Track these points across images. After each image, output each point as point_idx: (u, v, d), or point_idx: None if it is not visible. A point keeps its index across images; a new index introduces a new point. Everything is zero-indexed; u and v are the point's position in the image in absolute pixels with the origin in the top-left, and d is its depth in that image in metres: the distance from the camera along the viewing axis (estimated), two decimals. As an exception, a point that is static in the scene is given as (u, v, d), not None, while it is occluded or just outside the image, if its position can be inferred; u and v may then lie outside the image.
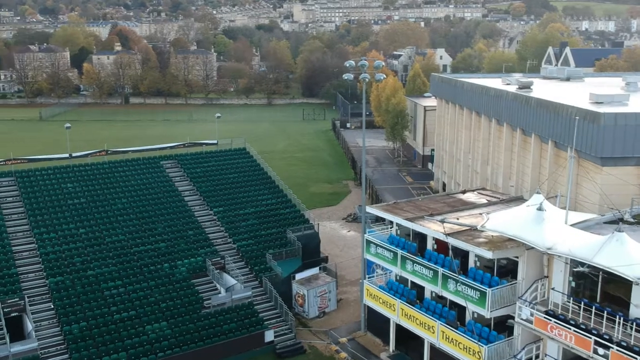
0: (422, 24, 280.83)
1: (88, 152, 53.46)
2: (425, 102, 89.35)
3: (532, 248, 26.21)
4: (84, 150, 55.35)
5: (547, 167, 43.09)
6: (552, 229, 25.01)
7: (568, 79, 66.69)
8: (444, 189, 71.51)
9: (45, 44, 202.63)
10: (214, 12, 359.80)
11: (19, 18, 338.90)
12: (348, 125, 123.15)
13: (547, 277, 27.62)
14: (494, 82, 60.51)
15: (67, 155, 52.02)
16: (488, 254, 27.29)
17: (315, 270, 44.56)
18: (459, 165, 65.21)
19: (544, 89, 53.38)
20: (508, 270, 29.50)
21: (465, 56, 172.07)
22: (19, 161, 50.75)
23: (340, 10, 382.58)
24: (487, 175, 56.60)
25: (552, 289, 26.66)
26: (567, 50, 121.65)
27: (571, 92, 53.51)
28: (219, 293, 40.80)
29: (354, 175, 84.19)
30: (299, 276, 43.40)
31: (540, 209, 25.83)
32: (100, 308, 37.78)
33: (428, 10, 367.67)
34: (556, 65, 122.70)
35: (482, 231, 28.81)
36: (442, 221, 29.21)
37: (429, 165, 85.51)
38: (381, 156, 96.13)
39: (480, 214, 30.73)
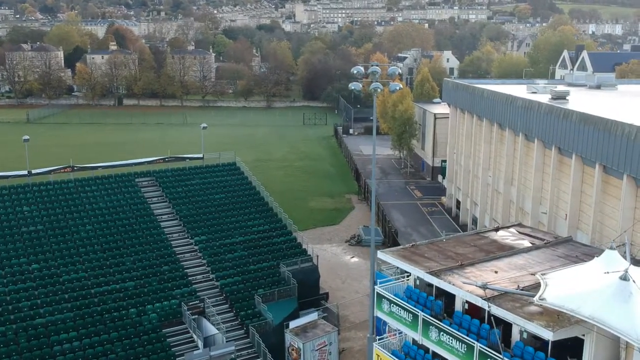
0: (426, 25, 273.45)
1: (50, 168, 46.06)
2: (435, 109, 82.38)
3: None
4: (50, 165, 48.10)
5: (593, 196, 35.84)
6: (645, 309, 17.81)
7: (599, 87, 59.58)
8: (457, 207, 64.51)
9: (38, 43, 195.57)
10: (215, 11, 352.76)
11: (18, 16, 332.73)
12: (351, 131, 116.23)
13: (625, 363, 20.37)
14: (516, 90, 53.39)
15: (25, 172, 44.69)
16: (547, 334, 20.03)
17: (313, 316, 37.22)
18: (476, 182, 58.05)
19: (580, 100, 46.21)
20: (566, 344, 22.20)
21: (473, 59, 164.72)
22: (-33, 179, 43.58)
23: (343, 11, 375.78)
24: (512, 197, 49.40)
25: (636, 385, 19.41)
26: (584, 54, 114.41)
27: (613, 103, 46.38)
28: (196, 347, 33.58)
29: (357, 189, 77.12)
30: (293, 324, 36.07)
31: (625, 278, 18.59)
32: (47, 369, 30.63)
33: (432, 12, 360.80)
34: (572, 69, 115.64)
35: (533, 296, 21.55)
36: (484, 287, 21.94)
37: (439, 177, 78.69)
38: (386, 166, 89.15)
39: (533, 274, 23.42)
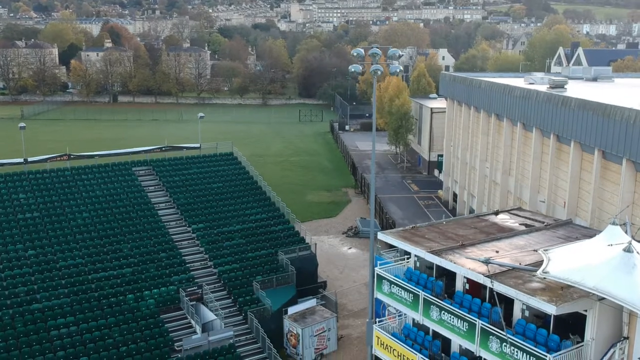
0: (422, 25, 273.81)
1: (47, 156, 45.74)
2: (432, 103, 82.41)
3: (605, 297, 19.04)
4: (47, 154, 47.77)
5: (592, 183, 35.85)
6: (649, 279, 17.76)
7: (595, 79, 59.73)
8: (454, 200, 64.51)
9: (32, 40, 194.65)
10: (210, 10, 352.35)
11: (12, 14, 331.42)
12: (347, 127, 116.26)
13: (628, 338, 20.34)
14: (513, 82, 53.39)
15: (22, 160, 44.37)
16: (551, 309, 19.95)
17: (311, 302, 37.18)
18: (473, 174, 57.99)
19: (578, 90, 46.23)
20: (567, 321, 22.15)
21: (469, 57, 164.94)
22: (-37, 167, 43.18)
23: (338, 11, 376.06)
24: (510, 188, 49.40)
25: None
26: (580, 50, 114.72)
27: (611, 93, 46.39)
28: (194, 332, 33.41)
29: (354, 182, 77.06)
30: (292, 310, 35.99)
31: (628, 250, 18.56)
32: (44, 353, 30.32)
33: (427, 12, 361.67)
34: (567, 66, 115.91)
35: (536, 270, 21.48)
36: (487, 262, 21.86)
37: (436, 172, 78.65)
38: (383, 161, 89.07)
39: (535, 250, 23.38)
